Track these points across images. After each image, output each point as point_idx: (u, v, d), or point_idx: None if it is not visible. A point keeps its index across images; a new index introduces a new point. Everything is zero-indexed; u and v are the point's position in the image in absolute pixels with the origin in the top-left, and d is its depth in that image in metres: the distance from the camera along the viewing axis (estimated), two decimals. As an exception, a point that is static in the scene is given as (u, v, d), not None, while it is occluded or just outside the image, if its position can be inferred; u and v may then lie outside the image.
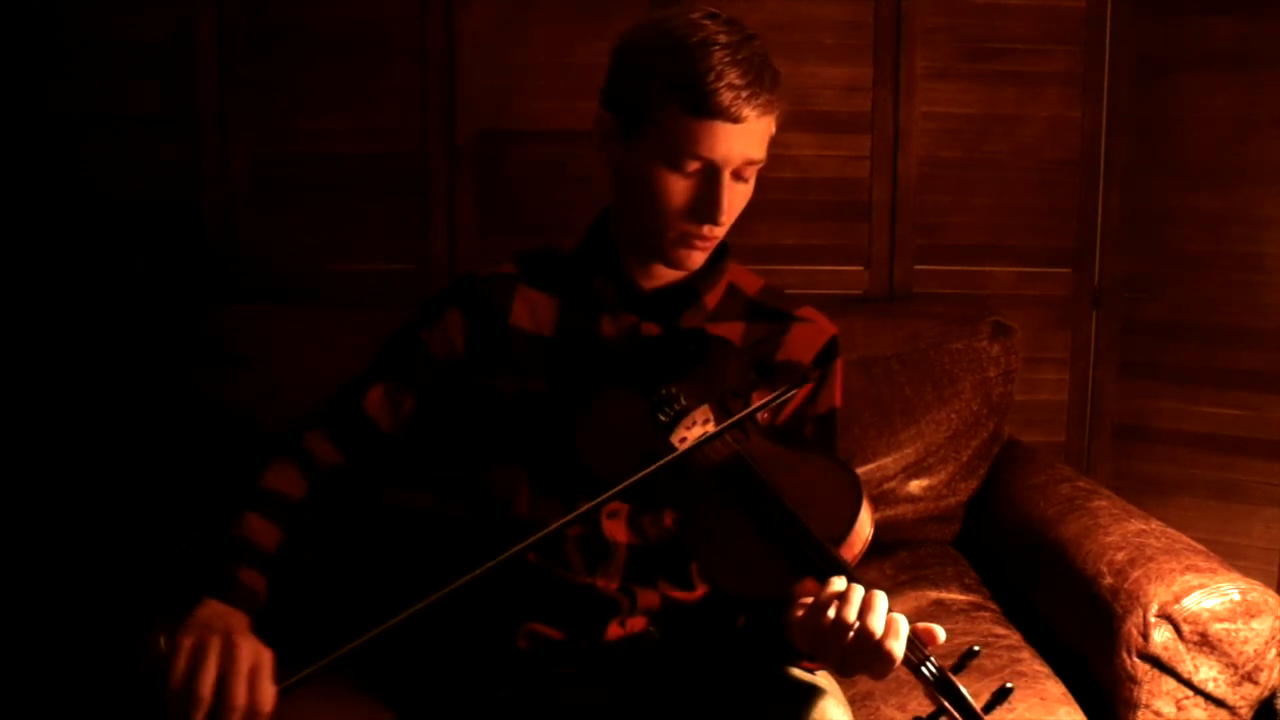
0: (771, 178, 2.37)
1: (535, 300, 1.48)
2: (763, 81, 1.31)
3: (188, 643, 1.21)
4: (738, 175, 1.36)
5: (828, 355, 1.49)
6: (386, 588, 1.88)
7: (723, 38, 1.31)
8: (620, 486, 1.22)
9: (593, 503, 1.24)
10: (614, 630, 1.43)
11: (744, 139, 1.32)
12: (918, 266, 2.53)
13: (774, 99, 1.34)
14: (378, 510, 1.90)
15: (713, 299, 1.47)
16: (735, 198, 1.37)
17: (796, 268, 2.46)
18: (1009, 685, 1.14)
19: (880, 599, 1.15)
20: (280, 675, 1.21)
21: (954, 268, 2.54)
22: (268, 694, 1.20)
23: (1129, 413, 2.57)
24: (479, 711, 1.41)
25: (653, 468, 1.23)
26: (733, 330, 1.46)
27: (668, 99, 1.31)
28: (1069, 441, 2.61)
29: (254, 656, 1.21)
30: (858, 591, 1.15)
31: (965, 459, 2.29)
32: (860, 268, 2.53)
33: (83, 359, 2.30)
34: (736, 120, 1.31)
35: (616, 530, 1.42)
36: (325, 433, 1.47)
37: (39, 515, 2.08)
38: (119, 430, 2.25)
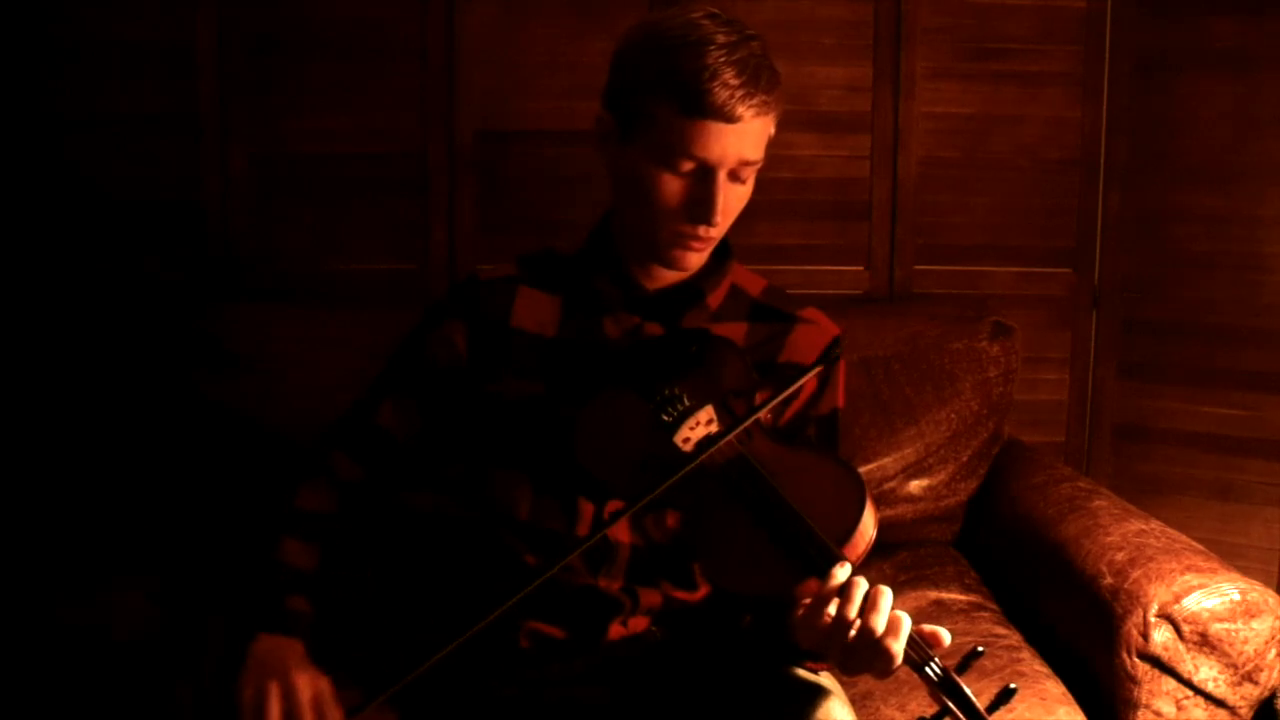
0: (771, 178, 2.38)
1: (537, 301, 1.48)
2: (758, 81, 1.31)
3: (248, 693, 1.27)
4: (734, 176, 1.35)
5: (829, 357, 1.48)
6: (392, 589, 1.88)
7: (720, 37, 1.31)
8: (648, 498, 1.23)
9: (625, 512, 1.25)
10: (616, 630, 1.43)
11: (739, 139, 1.32)
12: (918, 266, 2.53)
13: (770, 100, 1.33)
14: (385, 512, 1.91)
15: (716, 299, 1.47)
16: (731, 199, 1.37)
17: (797, 268, 2.46)
18: (1013, 686, 1.14)
19: (885, 595, 1.15)
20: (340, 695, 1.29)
21: (954, 268, 2.54)
22: (334, 717, 1.26)
23: (1129, 413, 2.57)
24: (481, 710, 1.41)
25: (674, 478, 1.23)
26: (736, 331, 1.46)
27: (663, 98, 1.31)
28: (1069, 441, 2.61)
29: (313, 688, 1.27)
30: (861, 586, 1.15)
31: (965, 459, 2.29)
32: (860, 268, 2.53)
33: (83, 359, 2.30)
34: (731, 120, 1.30)
35: (619, 531, 1.42)
36: (345, 451, 1.49)
37: (39, 515, 2.08)
38: (119, 430, 2.25)
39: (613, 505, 1.40)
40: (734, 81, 1.29)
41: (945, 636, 1.17)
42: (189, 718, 1.65)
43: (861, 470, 2.19)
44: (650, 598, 1.44)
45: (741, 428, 1.26)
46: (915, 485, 2.27)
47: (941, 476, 2.29)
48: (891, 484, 2.26)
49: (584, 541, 1.27)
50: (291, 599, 1.38)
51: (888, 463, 2.26)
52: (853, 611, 1.14)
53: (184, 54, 2.33)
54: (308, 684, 1.27)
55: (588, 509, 1.41)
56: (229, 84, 2.35)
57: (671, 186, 1.35)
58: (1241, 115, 2.42)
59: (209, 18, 2.33)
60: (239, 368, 2.13)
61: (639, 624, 1.44)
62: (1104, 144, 2.53)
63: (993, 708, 1.13)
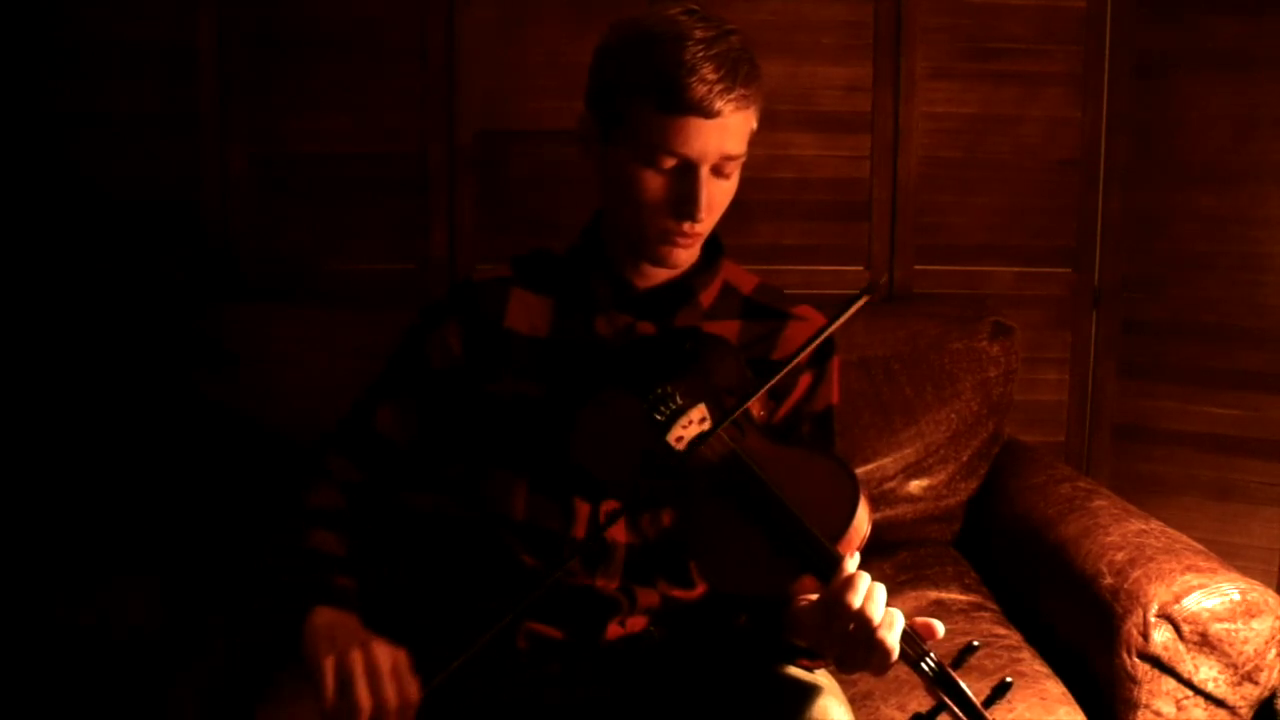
0: (771, 178, 2.39)
1: (530, 302, 1.48)
2: (737, 75, 1.30)
3: (329, 661, 1.24)
4: (717, 171, 1.35)
5: (824, 353, 1.48)
6: (393, 588, 1.88)
7: (698, 32, 1.31)
8: (636, 495, 1.22)
9: (619, 514, 1.25)
10: (614, 630, 1.43)
11: (720, 134, 1.32)
12: (918, 266, 2.53)
13: (750, 93, 1.33)
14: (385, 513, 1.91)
15: (708, 297, 1.47)
16: (715, 194, 1.37)
17: (796, 268, 2.46)
18: (1008, 680, 1.14)
19: (879, 589, 1.15)
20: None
21: (954, 268, 2.54)
22: (413, 688, 1.23)
23: (1129, 413, 2.57)
24: (481, 711, 1.41)
25: (654, 479, 1.22)
26: (728, 329, 1.46)
27: (642, 96, 1.31)
28: (1069, 441, 2.61)
29: (392, 657, 1.25)
30: (863, 579, 1.15)
31: (965, 459, 2.29)
32: (860, 268, 2.53)
33: (83, 359, 2.30)
34: (710, 115, 1.30)
35: (615, 530, 1.42)
36: (345, 455, 1.49)
37: (39, 514, 2.08)
38: (119, 430, 2.25)
39: (608, 505, 1.40)
40: (712, 76, 1.29)
41: (938, 628, 1.17)
42: (189, 717, 1.65)
43: (861, 470, 2.20)
44: (648, 597, 1.44)
45: (728, 419, 1.26)
46: (915, 485, 2.27)
47: (941, 476, 2.28)
48: (891, 484, 2.26)
49: (585, 543, 1.27)
50: (339, 578, 1.36)
51: (888, 463, 2.26)
52: (856, 601, 1.14)
53: (184, 54, 2.33)
54: (388, 654, 1.25)
55: (584, 509, 1.41)
56: (229, 84, 2.35)
57: (655, 184, 1.35)
58: (1241, 115, 2.41)
59: (209, 17, 2.33)
60: (239, 367, 2.13)
61: (637, 623, 1.44)
62: (1104, 144, 2.53)
63: (989, 702, 1.13)
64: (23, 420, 2.29)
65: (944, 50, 2.48)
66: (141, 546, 1.92)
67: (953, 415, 2.28)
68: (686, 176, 1.34)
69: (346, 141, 2.39)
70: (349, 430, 1.50)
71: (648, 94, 1.30)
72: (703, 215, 1.35)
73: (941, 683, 1.14)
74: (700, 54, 1.29)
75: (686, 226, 1.36)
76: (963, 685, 1.14)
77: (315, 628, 1.29)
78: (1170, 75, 2.47)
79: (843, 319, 1.26)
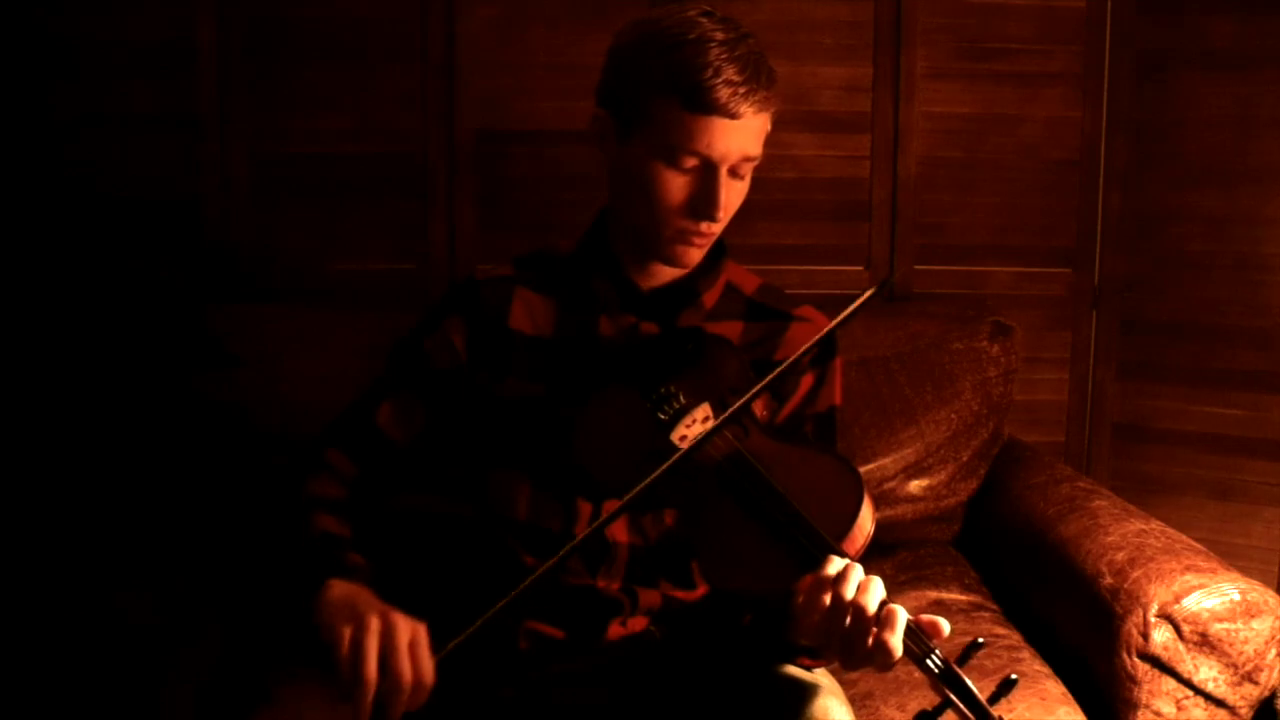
0: (771, 178, 2.40)
1: (534, 302, 1.48)
2: (759, 78, 1.32)
3: (348, 630, 1.20)
4: (734, 172, 1.36)
5: (826, 354, 1.49)
6: (391, 589, 1.87)
7: (719, 35, 1.32)
8: (637, 490, 1.22)
9: (611, 516, 1.24)
10: (615, 630, 1.43)
11: (741, 136, 1.33)
12: (918, 266, 2.53)
13: (770, 96, 1.34)
14: (382, 513, 1.91)
15: (711, 298, 1.48)
16: (732, 195, 1.38)
17: (796, 268, 2.46)
18: (1013, 676, 1.13)
19: (875, 582, 1.15)
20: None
21: (954, 268, 2.54)
22: (428, 667, 1.19)
23: (1129, 413, 2.57)
24: (480, 711, 1.41)
25: (657, 472, 1.22)
26: (731, 329, 1.46)
27: (665, 96, 1.32)
28: (1069, 441, 2.61)
29: (411, 631, 1.20)
30: (856, 571, 1.15)
31: (965, 459, 2.29)
32: (860, 268, 2.53)
33: (82, 359, 2.30)
34: (734, 117, 1.31)
35: (617, 530, 1.42)
36: (343, 450, 1.48)
37: (38, 516, 2.08)
38: (119, 430, 2.25)
39: (610, 505, 1.40)
40: (736, 78, 1.30)
41: (944, 626, 1.17)
42: (188, 717, 1.64)
43: (861, 470, 2.18)
44: (649, 597, 1.44)
45: (729, 412, 1.25)
46: (915, 485, 2.27)
47: (941, 476, 2.28)
48: (891, 484, 2.26)
49: (586, 534, 1.26)
50: (350, 555, 1.34)
51: (888, 463, 2.26)
52: (849, 593, 1.13)
53: (184, 53, 2.33)
54: (407, 626, 1.20)
55: (585, 509, 1.42)
56: (229, 83, 2.35)
57: (674, 183, 1.35)
58: (1241, 115, 2.42)
59: (209, 17, 2.32)
60: (238, 368, 2.12)
61: (638, 624, 1.44)
62: (1104, 144, 2.53)
63: (994, 699, 1.13)
64: (22, 421, 2.29)
65: (944, 50, 2.48)
66: (141, 547, 1.91)
67: (953, 415, 2.28)
68: (706, 177, 1.34)
69: (346, 141, 2.38)
70: (348, 426, 1.50)
71: (671, 94, 1.31)
72: (721, 215, 1.36)
73: (948, 680, 1.14)
74: (724, 56, 1.30)
75: (704, 227, 1.37)
76: (968, 682, 1.13)
77: (331, 600, 1.25)
78: (1170, 75, 2.47)
79: (853, 309, 1.25)
